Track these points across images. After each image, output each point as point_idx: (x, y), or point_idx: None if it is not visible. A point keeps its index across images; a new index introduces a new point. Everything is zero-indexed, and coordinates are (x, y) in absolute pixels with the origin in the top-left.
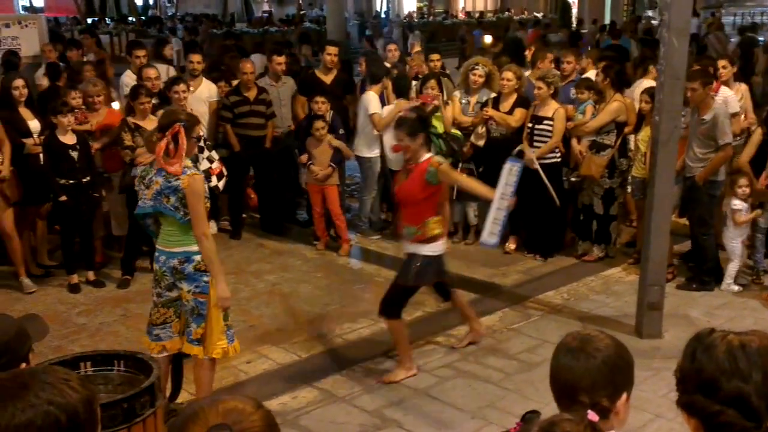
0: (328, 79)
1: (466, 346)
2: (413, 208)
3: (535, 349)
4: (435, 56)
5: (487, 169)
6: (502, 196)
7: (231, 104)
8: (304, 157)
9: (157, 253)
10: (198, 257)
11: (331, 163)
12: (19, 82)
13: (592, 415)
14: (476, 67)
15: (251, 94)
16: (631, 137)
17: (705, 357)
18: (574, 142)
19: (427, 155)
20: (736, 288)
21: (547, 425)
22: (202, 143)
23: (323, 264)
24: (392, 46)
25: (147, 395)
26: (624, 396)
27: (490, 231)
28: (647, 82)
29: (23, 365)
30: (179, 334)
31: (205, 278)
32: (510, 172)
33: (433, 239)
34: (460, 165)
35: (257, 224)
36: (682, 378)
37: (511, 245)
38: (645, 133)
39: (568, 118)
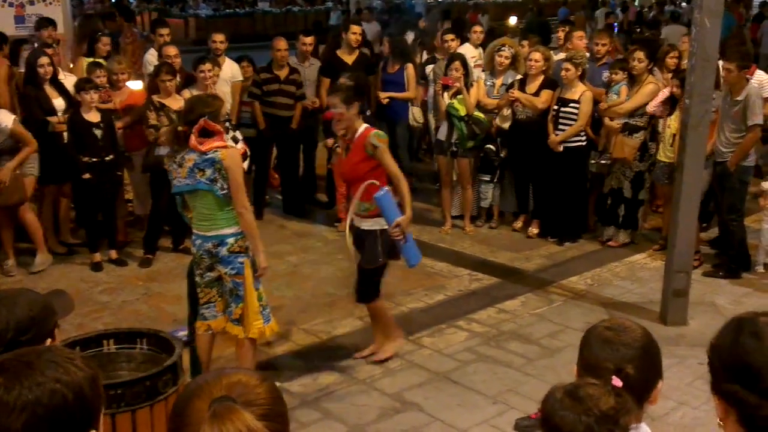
0: (350, 59)
1: (365, 356)
2: (360, 183)
3: (557, 335)
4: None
5: (512, 152)
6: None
7: (261, 81)
8: (330, 141)
9: (193, 237)
10: (231, 240)
11: None
12: (44, 60)
13: (616, 381)
14: (502, 48)
15: (282, 73)
16: (660, 121)
17: (752, 344)
18: (607, 121)
19: (363, 126)
20: (761, 269)
21: (572, 387)
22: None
23: (344, 246)
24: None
25: (169, 373)
26: (660, 384)
27: (405, 256)
28: None
29: (48, 341)
30: (223, 313)
31: (240, 259)
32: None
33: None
34: (484, 147)
35: (279, 205)
36: (720, 364)
37: (534, 229)
38: (677, 117)
39: (596, 101)
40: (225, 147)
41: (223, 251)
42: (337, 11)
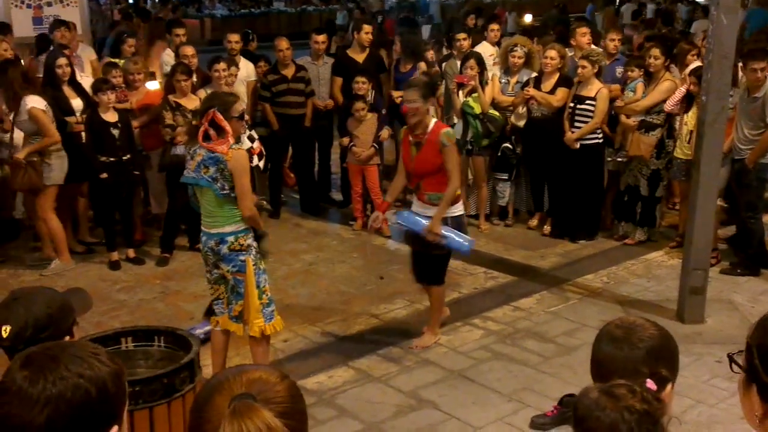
0: (360, 58)
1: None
2: (435, 176)
3: (573, 333)
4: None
5: (528, 150)
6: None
7: (269, 83)
8: (345, 140)
9: (201, 233)
10: (231, 238)
11: (374, 144)
12: (62, 61)
13: (651, 384)
14: (515, 48)
15: (289, 72)
16: (677, 118)
17: None
18: (623, 118)
19: (433, 122)
20: None
21: (608, 387)
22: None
23: (360, 244)
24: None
25: (186, 371)
26: (669, 386)
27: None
28: None
29: (67, 338)
30: (227, 309)
31: (241, 257)
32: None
33: (458, 198)
34: (501, 146)
35: (294, 204)
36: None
37: (549, 228)
38: (694, 114)
39: (612, 99)
40: (233, 147)
41: (224, 249)
42: (343, 11)
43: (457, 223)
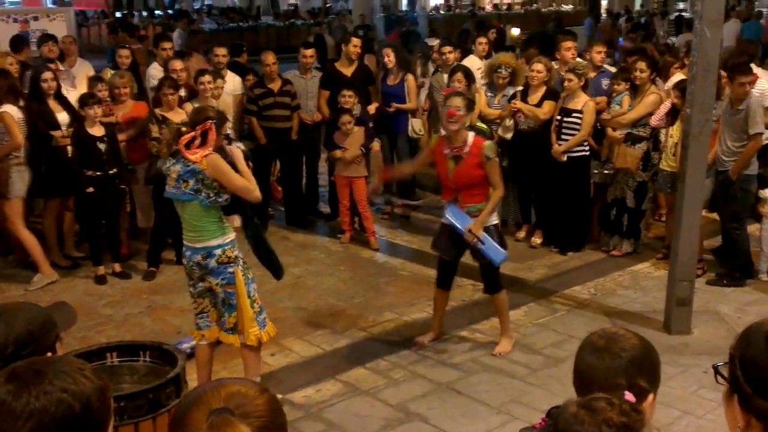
0: (348, 71)
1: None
2: (476, 188)
3: (561, 344)
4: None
5: (515, 163)
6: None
7: (255, 96)
8: (338, 153)
9: (183, 248)
10: (218, 251)
11: (361, 147)
12: (48, 75)
13: (629, 396)
14: (498, 70)
15: (275, 85)
16: (662, 130)
17: None
18: (610, 131)
19: (471, 135)
20: (765, 277)
21: (586, 401)
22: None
23: (347, 257)
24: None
25: (172, 386)
26: (650, 397)
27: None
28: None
29: (49, 354)
30: (216, 323)
31: (230, 269)
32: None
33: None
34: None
35: (281, 217)
36: (752, 378)
37: (537, 239)
38: (679, 126)
39: (598, 111)
40: (206, 155)
41: (212, 263)
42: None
43: (492, 232)
